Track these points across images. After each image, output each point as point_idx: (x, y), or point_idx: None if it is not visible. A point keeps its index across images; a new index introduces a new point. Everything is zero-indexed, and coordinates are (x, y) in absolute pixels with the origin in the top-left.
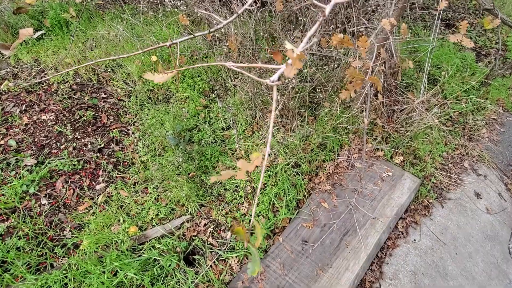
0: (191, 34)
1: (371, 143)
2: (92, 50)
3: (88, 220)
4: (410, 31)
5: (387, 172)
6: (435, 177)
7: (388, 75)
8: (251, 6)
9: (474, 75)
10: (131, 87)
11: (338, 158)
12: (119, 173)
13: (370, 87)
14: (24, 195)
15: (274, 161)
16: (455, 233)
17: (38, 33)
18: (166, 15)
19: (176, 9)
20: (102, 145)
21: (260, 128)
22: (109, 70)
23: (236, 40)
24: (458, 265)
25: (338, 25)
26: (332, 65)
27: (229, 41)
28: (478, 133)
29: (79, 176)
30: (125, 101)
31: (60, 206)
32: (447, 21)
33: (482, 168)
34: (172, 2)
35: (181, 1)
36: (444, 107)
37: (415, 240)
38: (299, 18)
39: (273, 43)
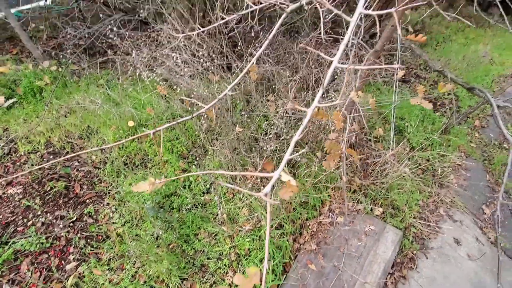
0: (180, 117)
1: (350, 197)
2: (66, 118)
3: None
4: (372, 86)
5: (369, 225)
6: (415, 226)
7: (359, 131)
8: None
9: (434, 124)
10: (107, 153)
11: (320, 216)
12: (92, 249)
13: (344, 145)
14: None
15: (258, 224)
16: (443, 283)
17: (10, 101)
18: (145, 86)
19: (155, 84)
20: (74, 218)
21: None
22: (83, 137)
23: (214, 107)
24: None
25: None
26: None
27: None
28: (447, 179)
29: (47, 256)
30: (100, 169)
31: None
32: (403, 77)
33: (457, 214)
34: (151, 78)
35: (161, 78)
36: (413, 157)
37: None
38: (272, 82)
39: (248, 104)
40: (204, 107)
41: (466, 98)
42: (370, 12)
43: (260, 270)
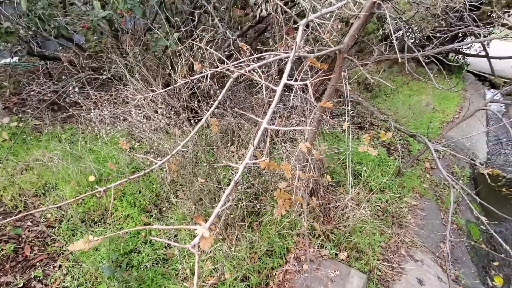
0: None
1: (314, 242)
2: (22, 174)
3: None
4: (331, 134)
5: (335, 271)
6: (379, 269)
7: (318, 177)
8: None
9: (389, 167)
10: (64, 211)
11: (286, 264)
12: None
13: (304, 192)
14: None
15: (221, 278)
16: None
17: None
18: (107, 142)
19: (116, 139)
20: (21, 284)
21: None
22: (39, 195)
23: (176, 160)
24: None
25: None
26: (267, 176)
27: (168, 163)
28: (405, 219)
29: None
30: (55, 228)
31: None
32: (359, 124)
33: (418, 254)
34: (111, 134)
35: (122, 133)
36: (372, 199)
37: None
38: (235, 134)
39: (212, 157)
40: (158, 163)
41: (416, 143)
42: (291, 82)
43: None
